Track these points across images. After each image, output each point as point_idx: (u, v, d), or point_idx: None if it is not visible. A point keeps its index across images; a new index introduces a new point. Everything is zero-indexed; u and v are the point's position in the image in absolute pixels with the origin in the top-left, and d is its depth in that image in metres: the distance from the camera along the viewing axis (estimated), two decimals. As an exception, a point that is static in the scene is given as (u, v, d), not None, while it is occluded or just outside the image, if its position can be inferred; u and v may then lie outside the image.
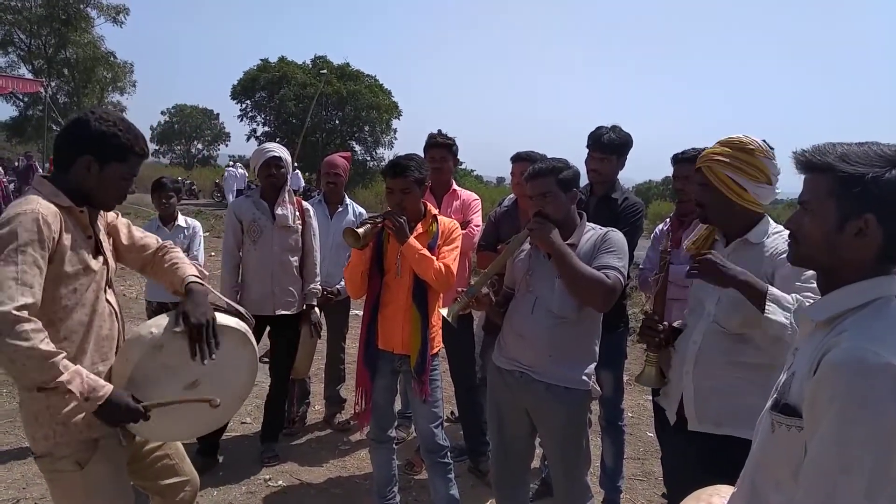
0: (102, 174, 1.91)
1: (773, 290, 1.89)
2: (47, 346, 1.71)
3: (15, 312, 1.65)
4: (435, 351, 2.96)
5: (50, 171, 2.05)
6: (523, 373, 2.50)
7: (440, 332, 3.00)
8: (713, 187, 2.10)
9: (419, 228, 2.87)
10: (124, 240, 2.15)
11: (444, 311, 2.53)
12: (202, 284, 2.07)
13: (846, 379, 1.12)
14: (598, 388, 2.56)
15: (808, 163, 1.29)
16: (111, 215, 2.12)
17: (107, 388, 1.80)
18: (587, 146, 3.31)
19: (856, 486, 1.09)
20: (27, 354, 1.66)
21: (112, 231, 2.12)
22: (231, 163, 29.75)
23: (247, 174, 23.08)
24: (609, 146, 3.23)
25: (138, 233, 2.21)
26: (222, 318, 2.05)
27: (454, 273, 2.87)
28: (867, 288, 1.23)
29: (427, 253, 2.80)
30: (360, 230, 2.69)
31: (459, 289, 2.55)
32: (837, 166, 1.23)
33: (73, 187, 1.90)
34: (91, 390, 1.77)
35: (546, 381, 2.45)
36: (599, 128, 3.30)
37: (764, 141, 2.07)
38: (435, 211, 2.98)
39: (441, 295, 2.96)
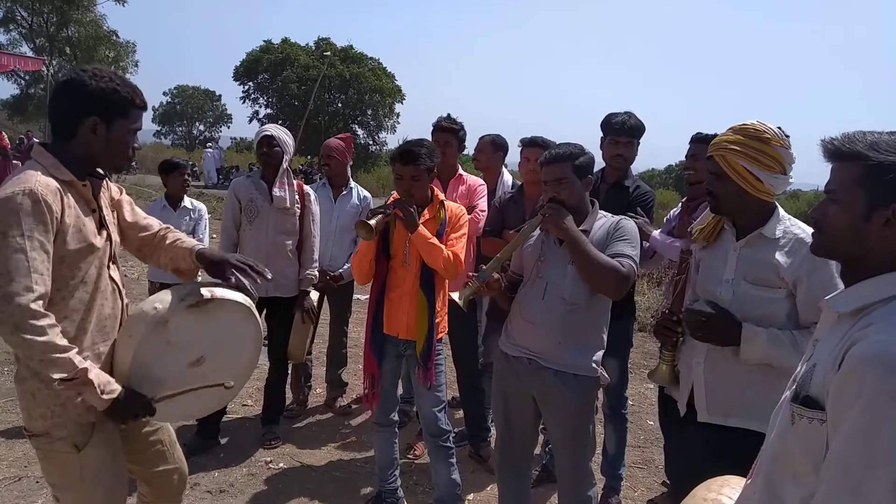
0: (110, 134, 1.82)
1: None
2: (62, 340, 1.68)
3: (31, 306, 1.62)
4: (440, 336, 2.95)
5: None
6: (532, 359, 2.49)
7: (446, 317, 3.00)
8: (727, 177, 2.03)
9: (426, 214, 2.85)
10: (128, 217, 2.08)
11: (455, 296, 2.50)
12: (211, 249, 2.07)
13: (874, 373, 1.09)
14: (607, 376, 2.55)
15: (836, 151, 1.26)
16: (115, 190, 2.05)
17: (117, 384, 1.80)
18: (607, 132, 3.28)
19: (882, 482, 1.07)
20: (42, 350, 1.64)
21: (116, 207, 2.05)
22: (209, 144, 30.74)
23: (223, 155, 25.54)
24: (634, 129, 3.24)
25: (141, 212, 2.15)
26: (226, 293, 2.02)
27: (462, 261, 2.85)
28: (895, 280, 1.19)
29: (436, 241, 2.77)
30: (373, 222, 2.65)
31: (470, 273, 2.53)
32: (867, 154, 1.21)
33: (79, 155, 1.82)
34: (106, 383, 1.76)
35: (555, 368, 2.44)
36: (616, 113, 3.27)
37: (779, 128, 2.01)
38: (442, 196, 2.96)
39: (447, 280, 2.95)
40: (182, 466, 2.24)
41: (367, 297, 3.04)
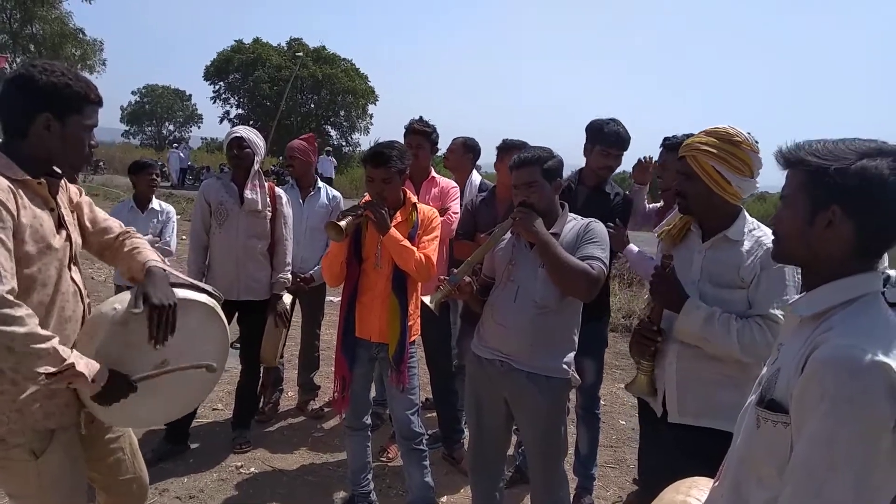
0: (65, 131, 1.76)
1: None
2: (42, 330, 1.62)
3: (7, 297, 1.56)
4: (413, 339, 2.94)
5: None
6: (504, 362, 2.49)
7: (418, 319, 2.99)
8: (697, 178, 2.07)
9: (398, 217, 2.84)
10: (87, 220, 2.03)
11: (427, 299, 2.50)
12: (162, 268, 1.97)
13: (835, 377, 1.12)
14: (578, 377, 2.56)
15: (785, 158, 1.33)
16: (74, 191, 1.99)
17: (104, 365, 1.75)
18: (597, 140, 3.17)
19: (844, 484, 1.09)
20: (25, 341, 1.57)
21: (76, 209, 2.00)
22: (175, 145, 31.22)
23: (188, 156, 26.49)
24: (625, 142, 3.17)
25: (101, 214, 2.09)
26: (188, 293, 1.97)
27: (434, 263, 2.85)
28: (854, 284, 1.24)
29: (408, 244, 2.77)
30: (343, 223, 2.63)
31: (442, 277, 2.53)
32: (808, 160, 1.26)
33: (32, 154, 1.76)
34: (95, 371, 1.71)
35: (527, 370, 2.45)
36: (604, 121, 3.18)
37: (749, 133, 2.06)
38: (415, 199, 2.95)
39: (419, 283, 2.94)
40: (142, 476, 2.18)
41: (340, 299, 3.01)
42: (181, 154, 26.15)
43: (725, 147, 2.03)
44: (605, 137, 3.15)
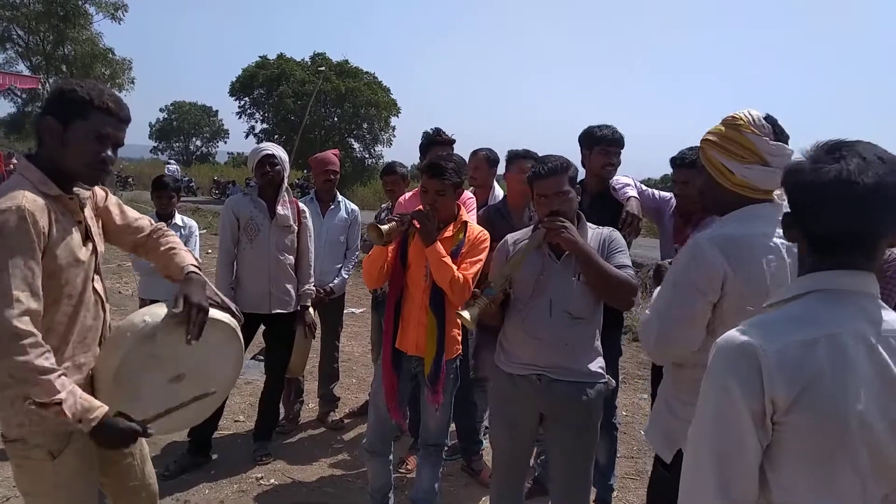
0: (66, 135, 1.76)
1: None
2: (44, 361, 1.66)
3: (14, 323, 1.60)
4: (454, 357, 2.89)
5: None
6: (541, 375, 2.45)
7: (460, 336, 2.92)
8: (702, 169, 1.91)
9: (447, 231, 2.79)
10: (117, 220, 2.07)
11: (466, 314, 2.35)
12: (202, 277, 2.02)
13: (712, 357, 1.23)
14: (613, 381, 2.55)
15: None
16: (101, 195, 2.03)
17: (100, 409, 1.75)
18: (594, 143, 3.27)
19: (706, 453, 1.19)
20: (22, 369, 1.62)
21: (103, 213, 2.03)
22: (169, 161, 33.34)
23: (179, 171, 29.16)
24: (622, 140, 3.29)
25: (132, 213, 2.13)
26: (214, 313, 2.01)
27: (471, 286, 2.69)
28: (798, 283, 1.27)
29: (449, 260, 2.69)
30: (385, 227, 2.60)
31: (476, 290, 2.44)
32: None
33: (49, 163, 1.80)
34: (84, 412, 1.72)
35: (567, 380, 2.43)
36: (598, 126, 3.30)
37: (766, 117, 1.82)
38: (466, 217, 2.89)
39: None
40: (151, 484, 2.21)
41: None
42: (174, 170, 28.35)
43: (726, 133, 1.82)
44: (602, 138, 3.26)
